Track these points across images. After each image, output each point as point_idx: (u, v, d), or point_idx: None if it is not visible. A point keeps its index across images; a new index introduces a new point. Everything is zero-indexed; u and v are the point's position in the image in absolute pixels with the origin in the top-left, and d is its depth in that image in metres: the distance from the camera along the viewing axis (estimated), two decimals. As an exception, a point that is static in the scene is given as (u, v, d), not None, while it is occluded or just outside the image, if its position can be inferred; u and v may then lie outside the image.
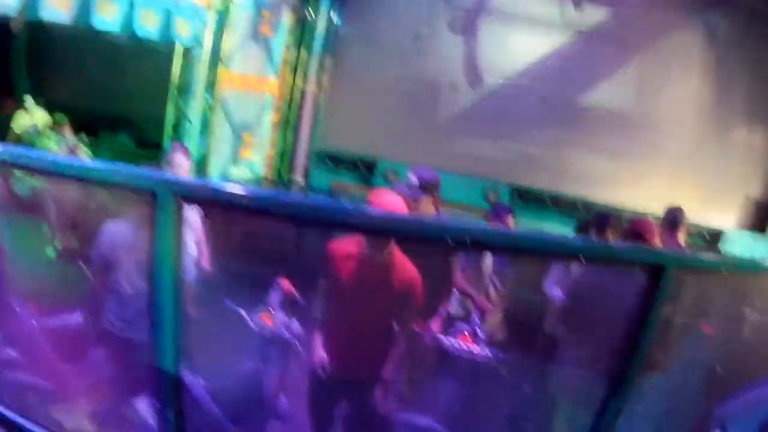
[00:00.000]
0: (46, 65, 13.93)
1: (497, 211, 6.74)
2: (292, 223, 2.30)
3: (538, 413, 5.05)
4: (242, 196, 2.16)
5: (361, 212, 2.32)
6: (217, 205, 2.40)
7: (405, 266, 4.11)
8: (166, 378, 2.23)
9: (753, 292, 4.77)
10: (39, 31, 13.65)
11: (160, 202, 2.12)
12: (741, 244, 12.20)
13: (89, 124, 12.01)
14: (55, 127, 9.98)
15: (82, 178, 2.50)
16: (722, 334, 5.47)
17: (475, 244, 2.37)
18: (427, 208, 4.97)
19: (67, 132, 9.89)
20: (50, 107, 12.24)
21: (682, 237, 6.05)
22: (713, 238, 12.36)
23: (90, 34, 10.69)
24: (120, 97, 13.35)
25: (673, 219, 6.06)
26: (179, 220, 2.13)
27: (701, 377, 5.14)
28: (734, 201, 12.64)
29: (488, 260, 5.89)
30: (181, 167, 5.62)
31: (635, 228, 5.02)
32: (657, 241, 4.98)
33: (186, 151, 5.95)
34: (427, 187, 4.94)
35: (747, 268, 2.95)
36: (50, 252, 8.41)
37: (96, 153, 10.45)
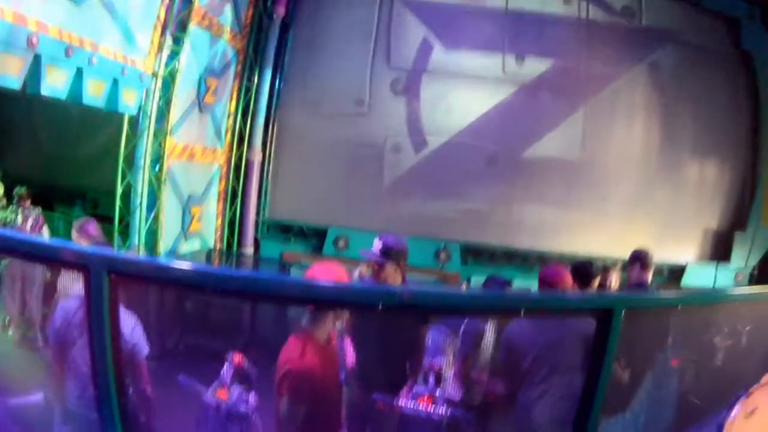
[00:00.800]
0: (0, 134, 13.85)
1: (493, 287, 6.68)
2: (228, 297, 2.28)
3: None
4: (176, 271, 2.15)
5: (288, 283, 2.32)
6: (152, 282, 2.37)
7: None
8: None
9: (716, 322, 4.80)
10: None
11: (94, 277, 2.11)
12: (703, 276, 12.38)
13: (44, 197, 11.90)
14: (16, 199, 9.85)
15: (17, 253, 2.50)
16: (692, 366, 5.49)
17: (414, 308, 2.35)
18: (391, 275, 4.90)
19: (29, 204, 9.76)
20: (4, 178, 12.06)
21: (648, 276, 6.32)
22: (674, 273, 12.53)
23: (44, 104, 10.64)
24: (74, 168, 13.30)
25: (639, 259, 6.32)
26: (114, 295, 2.10)
27: (672, 412, 5.14)
28: (693, 235, 12.91)
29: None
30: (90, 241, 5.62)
31: (544, 277, 5.06)
32: (567, 287, 5.01)
33: (94, 226, 5.94)
34: (391, 253, 4.88)
35: (700, 300, 2.97)
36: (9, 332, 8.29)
37: (51, 226, 10.30)
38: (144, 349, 4.61)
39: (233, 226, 13.12)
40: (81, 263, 2.17)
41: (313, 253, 13.08)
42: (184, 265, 2.20)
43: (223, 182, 12.71)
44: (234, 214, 13.06)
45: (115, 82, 8.61)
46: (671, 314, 3.68)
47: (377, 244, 4.90)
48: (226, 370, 4.77)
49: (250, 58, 12.68)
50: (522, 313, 2.42)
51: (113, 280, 2.12)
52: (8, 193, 10.26)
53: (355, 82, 13.05)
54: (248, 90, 12.80)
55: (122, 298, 2.49)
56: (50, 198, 13.06)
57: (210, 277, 2.19)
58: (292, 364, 3.86)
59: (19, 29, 6.63)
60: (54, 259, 2.37)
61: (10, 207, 9.74)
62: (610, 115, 12.87)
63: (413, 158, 13.09)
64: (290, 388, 3.85)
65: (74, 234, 5.88)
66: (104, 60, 8.21)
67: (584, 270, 5.98)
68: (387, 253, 4.87)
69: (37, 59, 7.08)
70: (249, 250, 13.19)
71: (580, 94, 12.82)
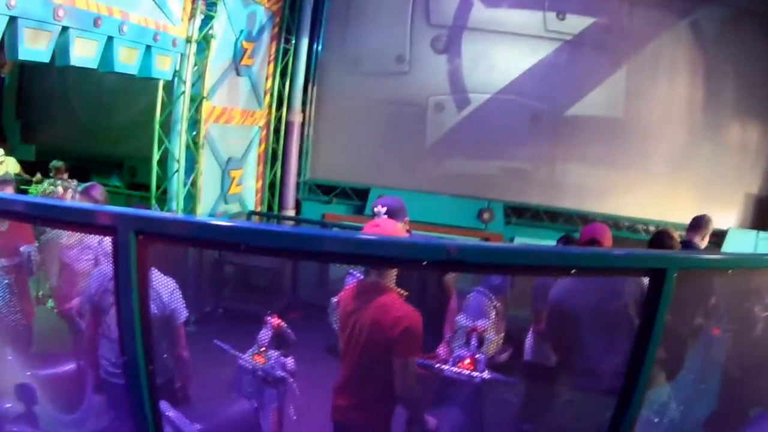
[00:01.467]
0: (35, 108, 13.98)
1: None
2: (259, 254, 2.18)
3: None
4: (206, 228, 2.07)
5: (327, 237, 2.22)
6: (181, 241, 2.30)
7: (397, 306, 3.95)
8: (144, 419, 2.18)
9: (759, 290, 4.65)
10: (28, 74, 13.74)
11: (121, 238, 2.06)
12: (744, 242, 12.13)
13: (81, 168, 12.01)
14: (53, 172, 9.97)
15: (44, 218, 2.49)
16: (732, 335, 5.35)
17: (459, 264, 2.23)
18: (401, 233, 4.88)
19: (66, 176, 9.86)
20: (40, 151, 12.14)
21: (705, 240, 6.59)
22: (715, 238, 12.26)
23: (78, 75, 10.61)
24: (110, 138, 13.43)
25: (696, 223, 6.61)
26: (142, 256, 2.04)
27: (715, 384, 5.01)
28: (734, 200, 12.61)
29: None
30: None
31: (588, 234, 4.97)
32: (610, 244, 4.96)
33: (99, 191, 5.93)
34: (394, 212, 4.96)
35: (751, 264, 2.83)
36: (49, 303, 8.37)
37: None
38: (182, 314, 4.62)
39: (274, 189, 13.11)
40: (108, 225, 2.12)
41: (354, 214, 13.04)
42: (213, 222, 2.13)
43: (263, 144, 12.65)
44: (274, 176, 13.05)
45: (148, 48, 8.51)
46: (718, 278, 3.58)
47: (380, 209, 5.00)
48: (264, 334, 4.75)
49: (287, 20, 12.50)
50: (573, 271, 2.29)
51: (141, 241, 2.06)
52: (44, 168, 10.38)
53: (394, 40, 12.87)
54: (286, 51, 12.65)
55: (156, 261, 2.44)
56: (87, 169, 13.19)
57: (237, 233, 2.12)
58: (409, 321, 3.79)
59: (44, 3, 6.55)
60: (80, 222, 2.32)
61: (49, 180, 9.85)
62: (653, 73, 12.56)
63: (456, 116, 12.93)
64: (411, 344, 3.81)
65: (79, 198, 5.91)
66: (135, 27, 8.11)
67: (661, 241, 5.88)
68: (391, 213, 4.95)
69: (64, 31, 7.00)
70: (290, 212, 13.19)
71: (623, 51, 12.52)
